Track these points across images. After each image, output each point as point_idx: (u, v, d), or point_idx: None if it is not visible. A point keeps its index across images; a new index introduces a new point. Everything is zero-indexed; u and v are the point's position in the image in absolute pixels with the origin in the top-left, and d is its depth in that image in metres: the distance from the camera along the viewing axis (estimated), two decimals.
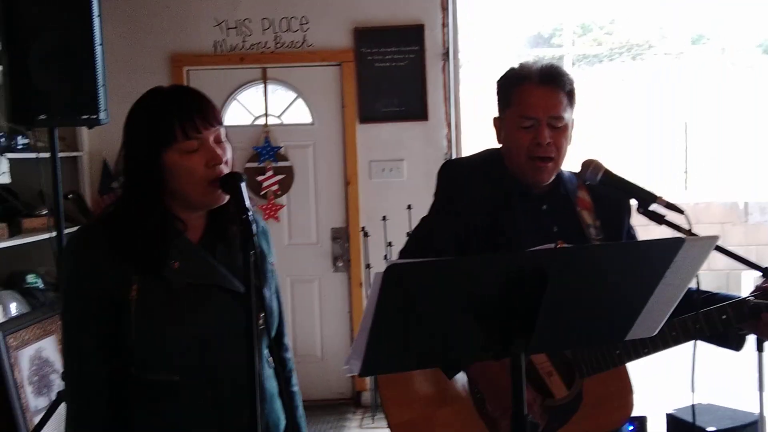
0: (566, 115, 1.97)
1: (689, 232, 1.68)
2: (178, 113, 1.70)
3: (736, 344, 2.00)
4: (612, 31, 14.31)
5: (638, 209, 1.82)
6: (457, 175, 2.12)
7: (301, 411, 2.02)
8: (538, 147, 1.95)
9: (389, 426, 2.05)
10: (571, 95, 1.99)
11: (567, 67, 7.78)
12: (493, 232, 1.98)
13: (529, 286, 1.36)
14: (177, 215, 1.76)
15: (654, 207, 1.81)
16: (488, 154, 2.14)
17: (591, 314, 1.49)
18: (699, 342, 1.95)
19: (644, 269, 1.45)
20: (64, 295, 1.81)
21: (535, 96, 1.96)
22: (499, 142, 2.09)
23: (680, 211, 1.72)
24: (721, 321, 1.89)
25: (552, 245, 1.41)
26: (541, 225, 2.01)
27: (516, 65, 2.07)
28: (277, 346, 1.99)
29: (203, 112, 1.72)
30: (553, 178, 2.02)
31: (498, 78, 2.09)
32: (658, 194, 1.78)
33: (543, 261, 1.35)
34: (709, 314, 1.90)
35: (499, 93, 2.08)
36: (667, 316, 1.57)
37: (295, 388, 2.03)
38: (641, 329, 1.56)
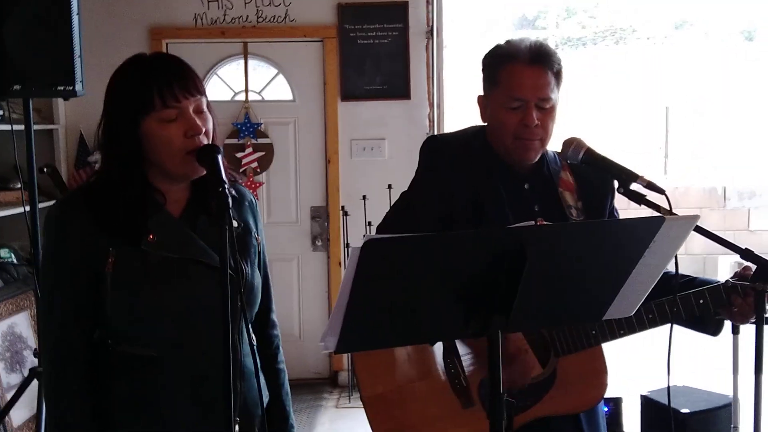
0: (554, 96, 1.94)
1: (669, 212, 1.67)
2: (157, 81, 1.66)
3: (714, 329, 2.00)
4: (596, 15, 14.34)
5: (619, 189, 1.80)
6: (440, 151, 2.09)
7: (287, 388, 2.00)
8: (525, 128, 1.92)
9: (362, 398, 2.03)
10: (558, 75, 1.96)
11: None
12: (474, 210, 1.96)
13: (508, 262, 1.34)
14: (157, 187, 1.73)
15: (635, 187, 1.79)
16: (472, 131, 2.11)
17: (570, 292, 1.48)
18: (676, 326, 1.95)
19: (623, 248, 1.44)
20: (44, 265, 1.80)
21: (524, 76, 1.92)
22: (484, 120, 2.06)
23: (661, 191, 1.71)
24: (698, 305, 1.89)
25: (532, 222, 1.39)
26: (522, 204, 2.00)
27: (503, 42, 2.02)
28: (264, 323, 1.96)
29: (184, 80, 1.68)
30: (538, 157, 2.00)
31: (484, 55, 2.05)
32: (639, 174, 1.76)
33: (522, 238, 1.34)
34: (687, 298, 1.90)
35: (485, 71, 2.04)
36: (645, 296, 1.56)
37: (281, 366, 2.00)
38: (619, 309, 1.56)
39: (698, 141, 10.12)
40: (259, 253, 1.90)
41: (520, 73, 1.93)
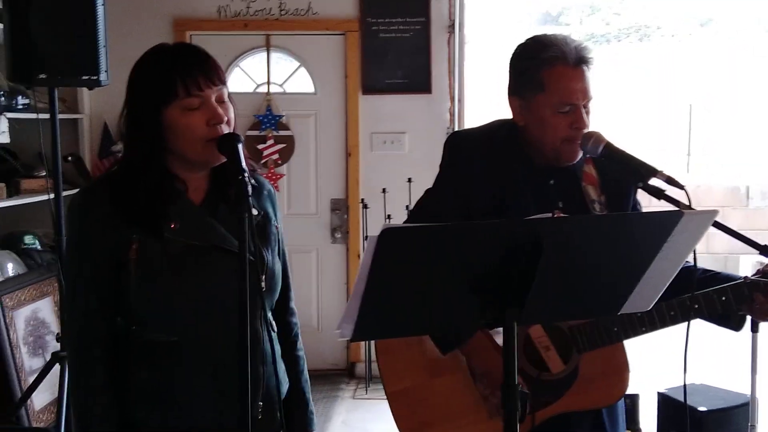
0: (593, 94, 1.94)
1: (689, 207, 1.66)
2: (180, 69, 1.68)
3: (736, 324, 1.99)
4: (620, 12, 14.22)
5: (638, 183, 1.80)
6: (464, 147, 2.08)
7: (305, 376, 2.02)
8: (577, 131, 1.90)
9: (386, 394, 2.05)
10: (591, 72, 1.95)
11: None
12: (499, 206, 1.95)
13: (525, 254, 1.35)
14: (178, 175, 1.75)
15: (654, 182, 1.79)
16: (496, 126, 2.09)
17: (586, 286, 1.48)
18: (696, 321, 1.95)
19: (641, 242, 1.43)
20: (68, 253, 1.84)
21: (573, 80, 1.89)
22: (521, 122, 2.00)
23: (680, 186, 1.70)
24: (721, 302, 1.89)
25: (549, 214, 1.39)
26: (546, 200, 1.98)
27: (539, 39, 1.96)
28: (283, 310, 1.98)
29: (206, 70, 1.71)
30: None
31: (516, 54, 1.99)
32: (658, 168, 1.76)
33: (539, 229, 1.34)
34: (709, 295, 1.89)
35: (523, 72, 1.97)
36: (662, 291, 1.56)
37: (300, 353, 2.02)
38: (636, 303, 1.55)
39: (722, 139, 10.03)
40: (279, 241, 1.91)
41: (568, 78, 1.89)
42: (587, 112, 1.93)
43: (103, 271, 1.72)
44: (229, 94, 1.77)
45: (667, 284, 1.54)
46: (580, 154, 1.96)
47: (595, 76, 1.95)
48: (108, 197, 1.72)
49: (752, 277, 1.87)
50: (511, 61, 2.02)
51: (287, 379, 1.94)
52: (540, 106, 1.93)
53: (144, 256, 1.70)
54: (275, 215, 1.92)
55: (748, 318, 1.99)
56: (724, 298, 1.88)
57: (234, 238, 1.73)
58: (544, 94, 1.92)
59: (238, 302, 1.53)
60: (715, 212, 1.45)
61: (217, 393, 1.75)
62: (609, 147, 1.85)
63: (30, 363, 3.84)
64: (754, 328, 2.74)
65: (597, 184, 2.03)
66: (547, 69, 1.91)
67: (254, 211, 1.80)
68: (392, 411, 2.04)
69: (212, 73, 1.71)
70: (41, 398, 3.81)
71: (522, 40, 2.02)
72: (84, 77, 3.19)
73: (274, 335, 1.88)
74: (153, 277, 1.70)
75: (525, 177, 2.00)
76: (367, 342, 4.89)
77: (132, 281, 1.70)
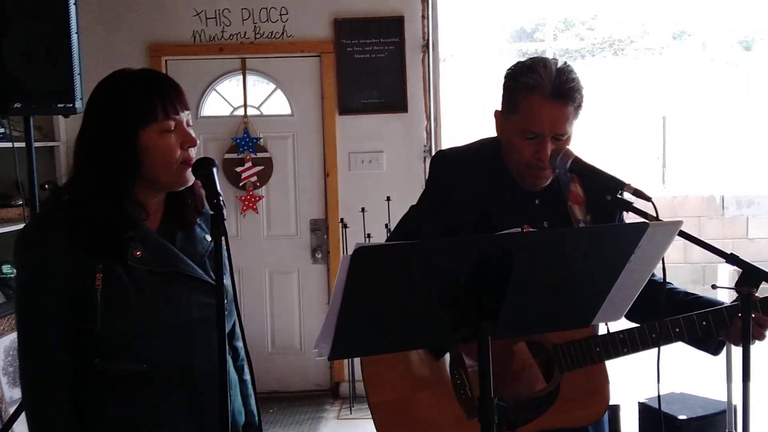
0: (571, 128, 1.93)
1: (656, 219, 1.70)
2: (158, 93, 1.70)
3: (714, 349, 2.04)
4: (594, 27, 14.39)
5: (607, 197, 1.83)
6: (450, 166, 2.10)
7: (254, 398, 1.96)
8: (538, 160, 1.93)
9: (369, 405, 2.06)
10: (579, 107, 1.94)
11: None
12: (484, 226, 1.96)
13: (496, 269, 1.38)
14: (140, 201, 1.74)
15: (623, 195, 1.82)
16: (482, 144, 2.11)
17: (557, 298, 1.51)
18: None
19: (609, 253, 1.47)
20: (19, 291, 1.72)
21: (543, 111, 1.90)
22: (499, 136, 2.04)
23: (648, 198, 1.74)
24: (701, 327, 1.94)
25: (518, 229, 1.42)
26: (532, 219, 1.98)
27: (529, 63, 1.96)
28: (230, 335, 1.92)
29: (179, 94, 1.74)
30: (549, 182, 2.00)
31: (507, 73, 2.00)
32: (626, 182, 1.79)
33: (509, 244, 1.37)
34: (690, 319, 1.94)
35: (506, 91, 2.00)
36: (632, 302, 1.59)
37: (247, 377, 1.94)
38: (607, 314, 1.59)
39: (696, 150, 10.16)
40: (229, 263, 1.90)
41: (540, 108, 1.90)
42: (561, 144, 1.92)
43: (64, 304, 1.66)
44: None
45: (637, 294, 1.58)
46: (546, 182, 1.99)
47: (578, 114, 1.93)
48: (65, 227, 1.67)
49: (731, 304, 1.92)
50: (504, 76, 2.03)
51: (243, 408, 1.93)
52: (511, 126, 1.97)
53: (110, 284, 1.66)
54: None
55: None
56: (704, 323, 1.93)
57: (193, 263, 1.75)
58: (516, 116, 1.95)
59: (204, 327, 1.53)
60: (679, 223, 1.49)
61: (191, 419, 1.74)
62: (577, 161, 1.88)
63: (11, 393, 3.81)
64: None
65: (583, 203, 2.05)
66: (523, 94, 1.93)
67: (207, 237, 1.81)
68: (375, 422, 2.05)
69: (183, 97, 1.75)
70: (22, 429, 3.77)
71: (522, 59, 2.04)
72: (60, 105, 3.18)
73: (231, 361, 1.87)
74: (121, 306, 1.67)
75: (511, 196, 2.03)
76: (350, 361, 4.89)
77: (98, 311, 1.65)
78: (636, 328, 1.97)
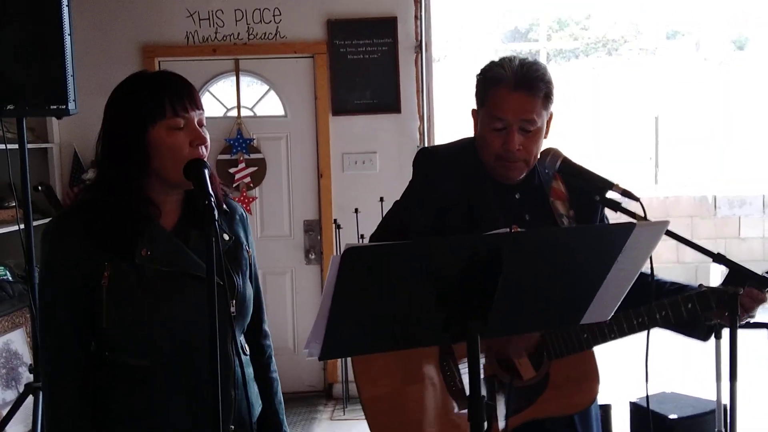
0: (540, 119, 1.96)
1: (644, 219, 1.71)
2: (168, 90, 1.74)
3: (704, 335, 2.06)
4: (588, 27, 14.42)
5: (595, 197, 1.85)
6: (432, 163, 2.13)
7: (279, 397, 2.05)
8: (507, 152, 1.96)
9: (361, 401, 2.07)
10: (547, 98, 1.98)
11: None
12: (466, 221, 2.00)
13: (485, 268, 1.39)
14: (152, 199, 1.77)
15: (611, 195, 1.84)
16: (464, 143, 2.15)
17: (546, 297, 1.53)
18: (664, 332, 2.00)
19: (597, 253, 1.49)
20: (40, 283, 1.85)
21: (507, 101, 1.95)
22: (474, 133, 2.10)
23: (636, 198, 1.76)
24: (687, 309, 1.95)
25: (507, 229, 1.43)
26: (513, 214, 2.03)
27: (496, 60, 2.04)
28: (256, 333, 2.01)
29: (191, 94, 1.78)
30: (524, 175, 2.03)
31: (478, 71, 2.07)
32: (614, 182, 1.81)
33: (498, 244, 1.39)
34: (675, 302, 1.95)
35: (476, 88, 2.07)
36: (620, 301, 1.61)
37: (274, 375, 2.06)
38: (596, 313, 1.60)
39: (689, 150, 10.19)
40: (251, 265, 1.94)
41: (504, 97, 1.95)
42: (531, 136, 1.95)
43: (78, 297, 1.74)
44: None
45: (625, 294, 1.60)
46: (520, 174, 2.02)
47: (547, 106, 1.97)
48: (81, 224, 1.74)
49: (710, 287, 1.94)
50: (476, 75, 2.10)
51: (260, 402, 1.96)
52: (482, 120, 2.03)
53: (116, 282, 1.72)
54: (247, 240, 1.95)
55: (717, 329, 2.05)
56: (690, 305, 1.95)
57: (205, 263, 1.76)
58: (484, 108, 2.01)
59: (208, 327, 1.55)
60: (666, 223, 1.50)
61: (191, 416, 1.77)
62: (566, 162, 1.91)
63: (3, 395, 3.81)
64: (717, 335, 2.80)
65: (566, 199, 2.07)
66: (489, 87, 2.00)
67: (225, 236, 1.83)
68: (367, 417, 2.07)
69: (195, 97, 1.78)
70: (15, 431, 3.77)
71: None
72: (53, 106, 3.19)
73: (246, 359, 1.90)
74: (125, 303, 1.72)
75: (492, 190, 2.05)
76: (343, 362, 4.90)
77: (104, 307, 1.72)
78: (623, 313, 1.98)
